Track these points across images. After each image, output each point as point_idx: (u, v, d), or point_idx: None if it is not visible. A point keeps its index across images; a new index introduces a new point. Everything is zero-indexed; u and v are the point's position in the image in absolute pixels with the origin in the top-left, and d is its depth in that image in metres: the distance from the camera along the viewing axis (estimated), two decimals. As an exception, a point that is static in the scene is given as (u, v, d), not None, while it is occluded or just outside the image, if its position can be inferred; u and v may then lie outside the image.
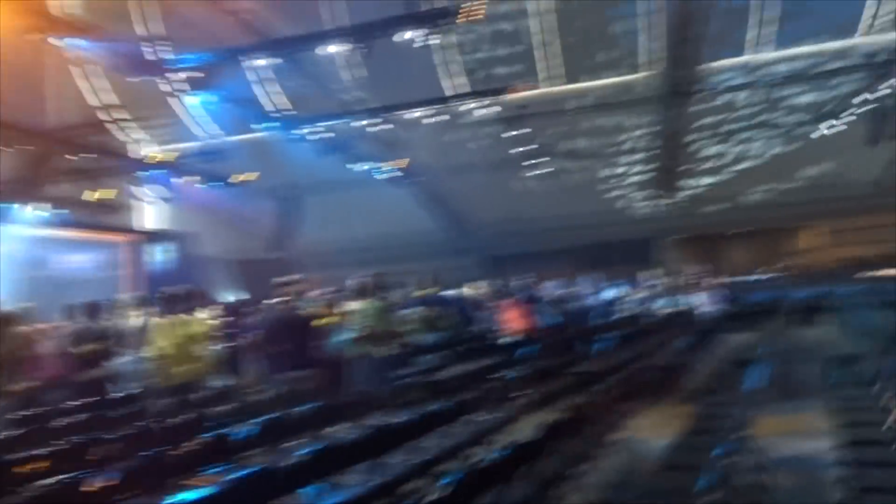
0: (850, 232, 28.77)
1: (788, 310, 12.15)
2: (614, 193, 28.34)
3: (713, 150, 27.71)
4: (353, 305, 7.70)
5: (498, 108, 21.12)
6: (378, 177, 22.93)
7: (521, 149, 22.72)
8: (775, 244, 31.04)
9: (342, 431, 5.68)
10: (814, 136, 24.93)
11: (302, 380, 7.52)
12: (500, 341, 10.28)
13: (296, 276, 8.43)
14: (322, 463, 4.09)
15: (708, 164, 27.83)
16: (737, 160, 27.84)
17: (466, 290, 13.39)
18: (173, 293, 7.22)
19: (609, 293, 16.18)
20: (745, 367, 8.26)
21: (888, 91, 20.83)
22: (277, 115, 21.09)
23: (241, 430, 5.09)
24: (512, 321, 9.99)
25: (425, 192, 25.90)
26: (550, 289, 14.53)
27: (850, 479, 4.47)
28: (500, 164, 27.21)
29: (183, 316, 7.28)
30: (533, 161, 24.38)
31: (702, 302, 14.86)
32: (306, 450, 3.97)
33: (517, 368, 8.81)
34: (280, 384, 7.78)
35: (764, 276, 27.70)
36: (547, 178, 28.07)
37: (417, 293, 10.78)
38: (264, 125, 19.97)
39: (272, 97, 22.55)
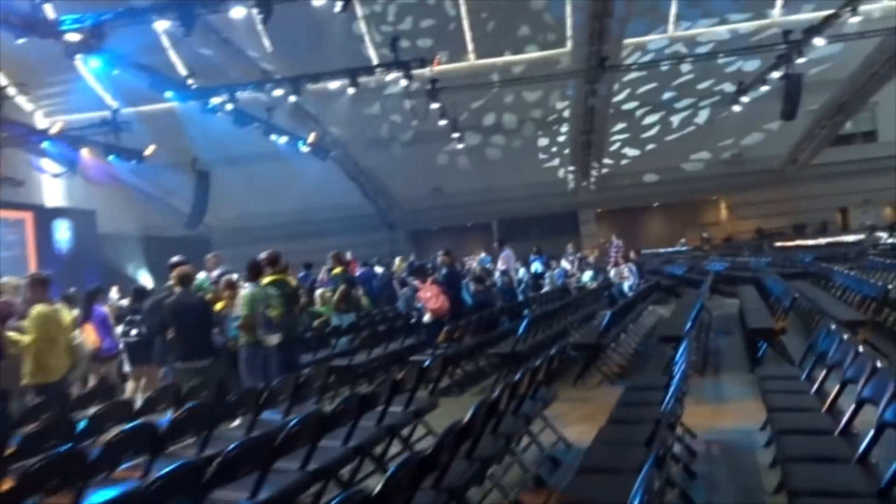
0: (764, 204, 29.46)
1: (708, 280, 12.02)
2: (539, 167, 28.02)
3: (635, 123, 27.73)
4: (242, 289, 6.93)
5: (420, 81, 20.36)
6: (294, 150, 21.87)
7: (444, 122, 22.02)
8: (694, 216, 31.53)
9: (223, 437, 4.97)
10: (731, 111, 25.15)
11: (200, 371, 6.75)
12: (421, 321, 9.69)
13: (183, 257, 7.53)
14: (194, 479, 3.42)
15: (630, 137, 27.82)
16: (658, 134, 27.94)
17: (391, 267, 12.75)
18: (42, 277, 6.31)
19: (534, 267, 15.83)
20: (669, 343, 7.94)
21: (802, 66, 21.02)
22: (186, 83, 19.69)
23: (108, 437, 4.32)
24: (431, 300, 9.40)
25: (345, 165, 24.97)
26: (473, 264, 14.04)
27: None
28: (423, 138, 26.51)
29: (57, 303, 6.40)
30: (457, 135, 23.74)
31: (625, 274, 14.66)
32: (175, 464, 3.28)
33: (435, 351, 8.25)
34: (173, 376, 7.00)
35: (684, 248, 28.10)
36: (471, 151, 27.55)
37: (333, 271, 10.05)
38: (172, 94, 18.58)
39: (180, 64, 21.11)
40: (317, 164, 23.76)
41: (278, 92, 18.68)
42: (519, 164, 27.68)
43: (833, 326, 5.51)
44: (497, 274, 13.28)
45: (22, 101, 23.36)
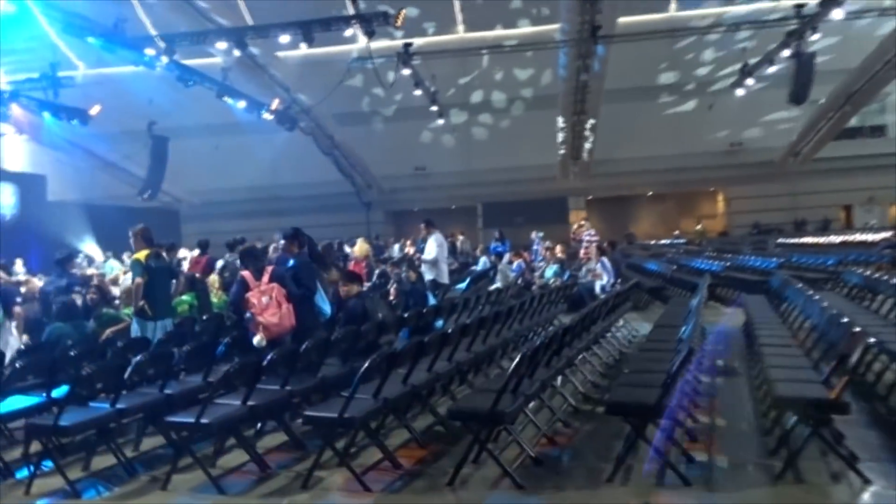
0: (762, 198, 25.03)
1: (703, 290, 7.85)
2: (528, 149, 23.61)
3: (630, 106, 23.25)
4: None
5: (403, 52, 16.30)
6: (258, 118, 17.87)
7: (419, 93, 17.91)
8: (690, 208, 27.11)
9: None
10: (734, 97, 20.70)
11: None
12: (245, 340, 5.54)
13: None
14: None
15: (624, 121, 23.33)
16: (654, 119, 23.50)
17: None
18: None
19: (485, 260, 11.70)
20: (625, 419, 3.88)
21: (812, 47, 16.64)
22: (135, 40, 15.65)
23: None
24: (269, 310, 5.33)
25: (318, 138, 20.80)
26: (410, 251, 9.89)
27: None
28: (406, 114, 22.34)
29: None
30: (435, 108, 19.59)
31: (597, 272, 10.48)
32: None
33: (208, 398, 4.21)
34: None
35: (674, 241, 23.75)
36: (457, 130, 23.35)
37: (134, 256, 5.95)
38: (97, 41, 14.53)
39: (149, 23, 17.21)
40: (287, 137, 19.75)
41: (221, 45, 14.69)
42: (507, 145, 23.39)
43: None
44: (425, 266, 9.09)
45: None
